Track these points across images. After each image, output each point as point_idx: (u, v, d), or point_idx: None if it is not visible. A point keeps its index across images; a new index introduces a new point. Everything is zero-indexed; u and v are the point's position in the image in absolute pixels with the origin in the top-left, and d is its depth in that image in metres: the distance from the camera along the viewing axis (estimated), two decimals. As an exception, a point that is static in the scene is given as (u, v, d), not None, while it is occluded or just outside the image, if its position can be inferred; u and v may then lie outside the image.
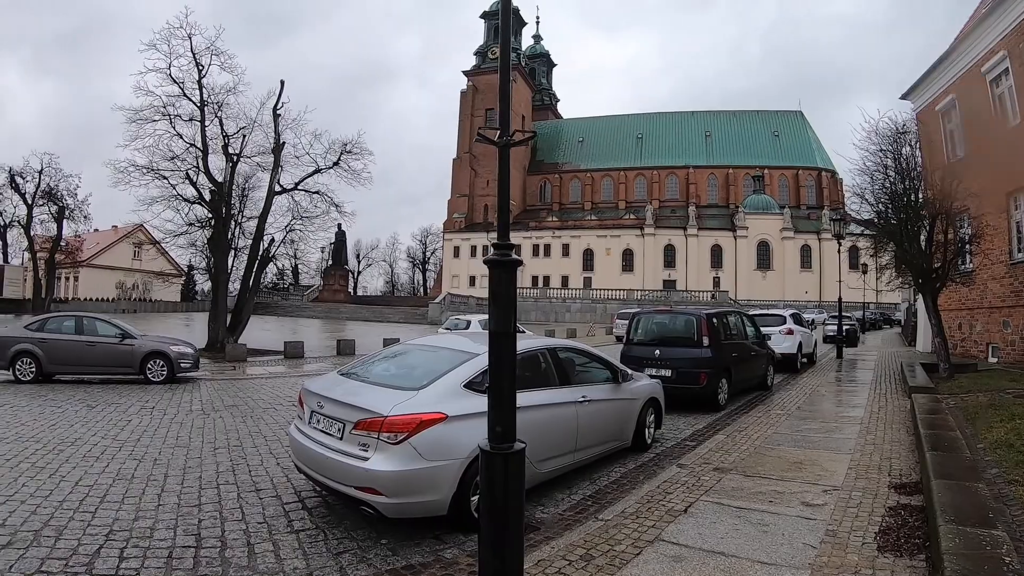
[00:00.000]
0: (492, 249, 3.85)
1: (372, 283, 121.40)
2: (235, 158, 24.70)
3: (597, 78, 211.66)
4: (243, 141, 24.88)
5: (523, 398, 5.83)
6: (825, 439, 8.77)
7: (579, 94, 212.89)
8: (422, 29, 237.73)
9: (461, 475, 5.12)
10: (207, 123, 24.03)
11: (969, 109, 20.08)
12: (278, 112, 25.28)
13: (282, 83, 25.34)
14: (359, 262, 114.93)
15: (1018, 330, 17.69)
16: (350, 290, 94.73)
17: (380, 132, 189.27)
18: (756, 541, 4.85)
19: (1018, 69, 17.39)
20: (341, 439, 5.23)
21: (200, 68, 23.72)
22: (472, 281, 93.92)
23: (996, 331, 18.89)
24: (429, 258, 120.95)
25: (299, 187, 26.00)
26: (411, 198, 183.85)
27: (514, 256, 3.85)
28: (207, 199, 24.02)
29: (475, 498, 5.12)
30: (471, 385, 5.57)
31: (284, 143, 25.42)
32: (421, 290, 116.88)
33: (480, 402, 4.95)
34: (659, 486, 6.38)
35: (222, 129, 24.39)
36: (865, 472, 6.86)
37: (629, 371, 8.37)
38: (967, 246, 15.97)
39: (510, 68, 3.96)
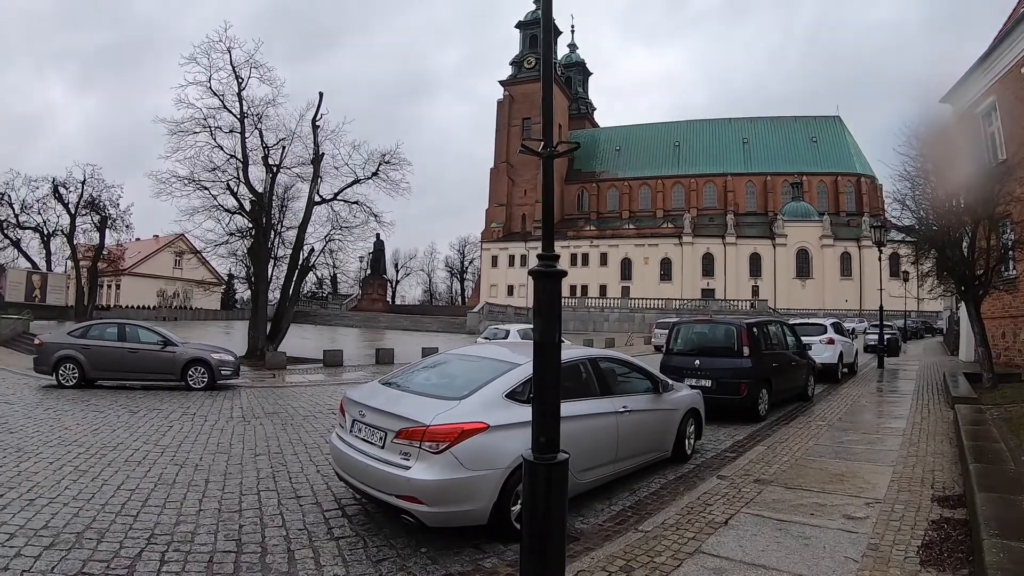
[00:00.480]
0: (537, 260, 3.95)
1: (410, 292, 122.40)
2: (275, 169, 25.20)
3: (634, 87, 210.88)
4: (283, 152, 25.40)
5: (564, 408, 5.91)
6: (867, 451, 8.71)
7: (616, 103, 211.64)
8: (463, 41, 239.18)
9: (502, 485, 5.16)
10: (247, 135, 24.55)
11: (1010, 111, 19.73)
12: (317, 124, 25.72)
13: (321, 95, 25.77)
14: (397, 272, 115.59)
15: (1063, 338, 17.31)
16: (388, 299, 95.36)
17: (421, 144, 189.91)
18: (797, 554, 4.87)
19: None
20: (383, 448, 5.31)
21: (240, 81, 24.28)
22: (510, 291, 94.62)
23: (1042, 340, 18.48)
24: (467, 268, 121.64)
25: (338, 197, 26.44)
26: (452, 209, 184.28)
27: (559, 267, 3.94)
28: (247, 209, 24.49)
29: (515, 508, 5.16)
30: (512, 395, 5.64)
31: (323, 154, 25.86)
32: (459, 299, 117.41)
33: (521, 412, 5.12)
34: (699, 497, 6.40)
35: (262, 140, 24.91)
36: (908, 485, 6.81)
37: (669, 381, 8.37)
38: (1010, 252, 15.72)
39: (552, 79, 4.04)
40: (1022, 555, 3.95)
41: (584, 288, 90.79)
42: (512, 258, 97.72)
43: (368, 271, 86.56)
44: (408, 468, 5.02)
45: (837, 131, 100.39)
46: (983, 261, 14.39)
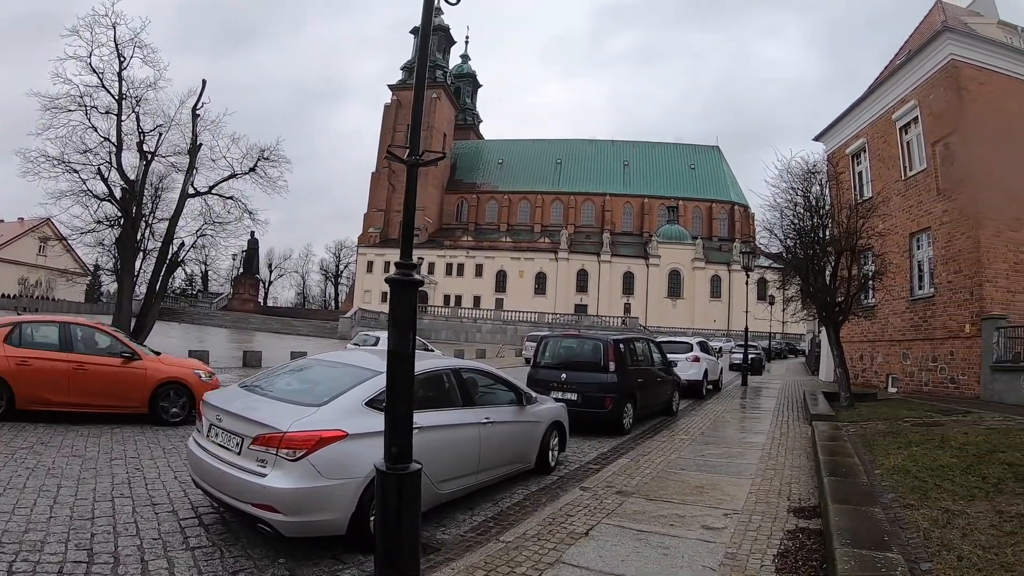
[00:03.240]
0: (394, 268, 3.82)
1: (283, 294, 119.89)
2: (149, 156, 23.69)
3: (544, 113, 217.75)
4: (159, 139, 23.90)
5: (425, 418, 5.82)
6: (727, 464, 8.96)
7: (511, 119, 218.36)
8: (386, 47, 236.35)
9: (360, 494, 5.08)
10: (124, 118, 22.98)
11: (878, 153, 21.36)
12: (197, 112, 24.38)
13: (204, 82, 24.45)
14: (271, 272, 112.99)
15: (917, 362, 18.81)
16: (260, 300, 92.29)
17: (325, 148, 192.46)
18: (656, 563, 4.86)
19: (927, 118, 18.65)
20: (239, 454, 5.15)
21: (122, 59, 22.64)
22: (384, 297, 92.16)
23: (896, 363, 20.06)
24: (342, 271, 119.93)
25: (213, 191, 25.16)
26: (347, 214, 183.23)
27: (417, 275, 3.89)
28: (118, 197, 22.96)
29: (374, 518, 5.04)
30: (372, 403, 5.55)
31: (201, 144, 24.53)
32: (333, 304, 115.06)
33: (381, 420, 4.94)
34: (561, 508, 6.36)
35: (138, 125, 23.33)
36: (765, 496, 7.00)
37: (533, 394, 8.43)
38: (870, 282, 16.85)
39: (424, 84, 4.00)
40: (872, 563, 4.07)
41: (459, 299, 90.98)
42: (388, 264, 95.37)
43: (241, 270, 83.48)
44: (264, 476, 4.90)
45: (715, 160, 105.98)
46: (844, 289, 15.31)
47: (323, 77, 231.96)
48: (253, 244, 78.19)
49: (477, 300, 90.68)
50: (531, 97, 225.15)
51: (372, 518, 5.04)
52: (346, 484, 5.01)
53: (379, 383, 5.65)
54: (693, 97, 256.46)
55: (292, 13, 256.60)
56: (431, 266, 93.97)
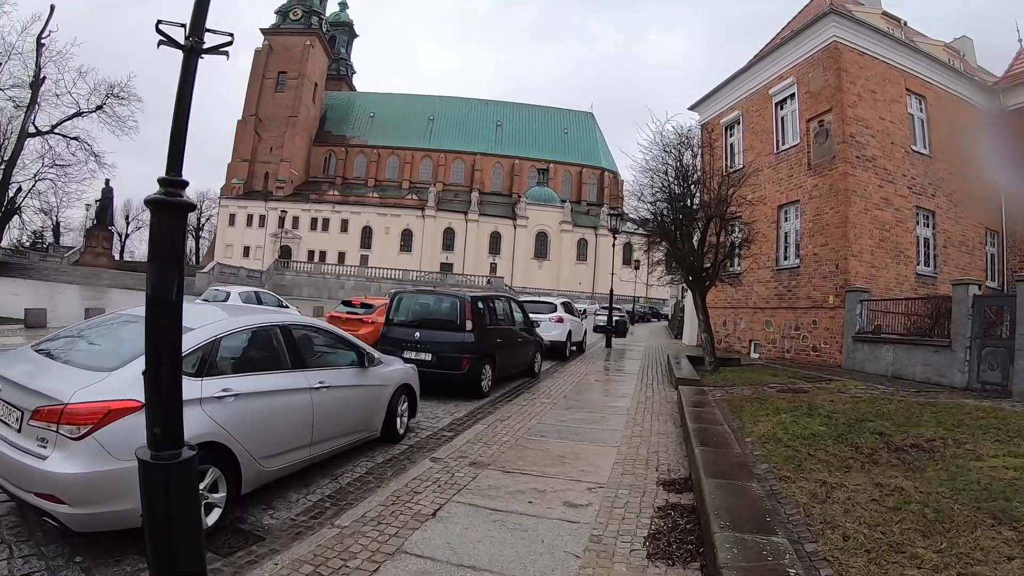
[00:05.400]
0: (158, 187, 2.91)
1: (141, 248, 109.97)
2: None
3: (426, 71, 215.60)
4: None
5: (243, 383, 5.16)
6: (591, 431, 8.52)
7: (397, 79, 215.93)
8: None
9: None
10: None
11: (752, 125, 21.90)
12: (43, 41, 21.76)
13: (52, 8, 21.75)
14: (128, 224, 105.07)
15: (780, 329, 19.51)
16: (116, 254, 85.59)
17: (206, 97, 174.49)
18: (512, 549, 4.28)
19: (803, 95, 19.18)
20: (19, 431, 4.24)
21: None
22: (246, 252, 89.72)
23: (759, 330, 20.77)
24: (203, 224, 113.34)
25: (56, 130, 22.54)
26: (217, 165, 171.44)
27: (187, 198, 2.94)
28: None
29: None
30: None
31: (44, 78, 21.96)
32: (194, 259, 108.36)
33: (188, 387, 4.12)
34: (407, 484, 5.68)
35: None
36: (632, 467, 6.57)
37: (376, 354, 7.54)
38: (737, 249, 17.11)
39: None
40: (756, 550, 3.69)
41: (323, 255, 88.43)
42: (251, 217, 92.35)
43: (94, 221, 76.78)
44: (45, 458, 4.05)
45: (588, 126, 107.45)
46: (712, 255, 15.48)
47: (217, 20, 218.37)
48: (107, 194, 73.41)
49: (342, 256, 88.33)
50: (421, 62, 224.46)
51: None
52: None
53: (185, 342, 4.80)
54: (579, 73, 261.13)
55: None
56: (295, 220, 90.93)
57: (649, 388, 13.00)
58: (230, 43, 2.91)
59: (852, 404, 9.27)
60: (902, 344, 14.56)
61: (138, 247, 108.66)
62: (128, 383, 4.28)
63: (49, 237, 78.78)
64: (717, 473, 5.20)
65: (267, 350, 5.81)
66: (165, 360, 2.96)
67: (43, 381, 4.40)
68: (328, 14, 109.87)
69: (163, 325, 2.94)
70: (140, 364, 4.46)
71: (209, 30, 2.81)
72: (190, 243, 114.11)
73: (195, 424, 4.38)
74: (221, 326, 5.32)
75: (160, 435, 2.87)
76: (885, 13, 21.30)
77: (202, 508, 4.45)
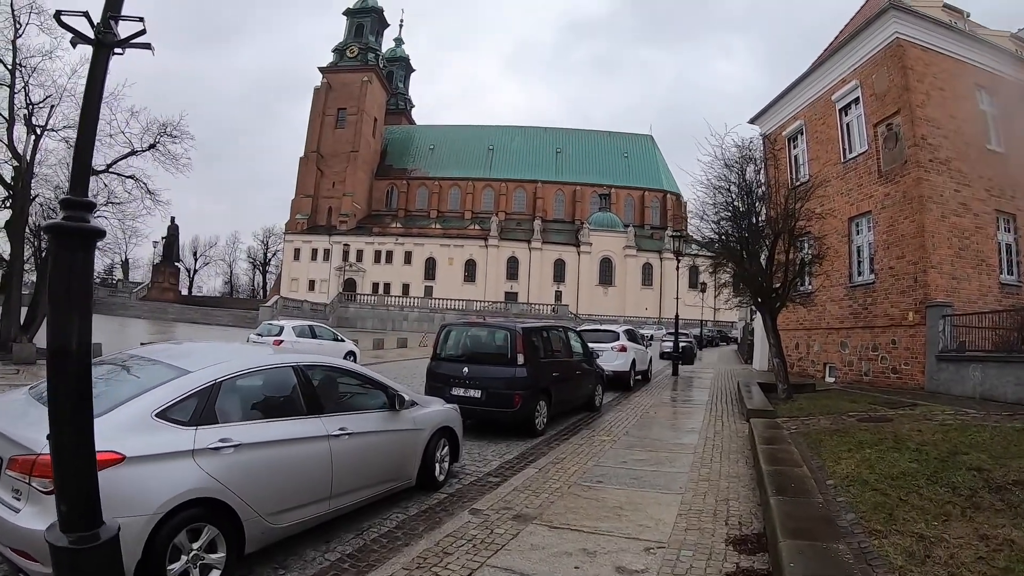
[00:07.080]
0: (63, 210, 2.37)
1: (209, 283, 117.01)
2: (39, 131, 21.53)
3: (497, 105, 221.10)
4: (50, 112, 21.75)
5: (245, 432, 4.71)
6: (653, 474, 7.74)
7: (464, 112, 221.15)
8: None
9: (147, 537, 3.90)
10: (16, 89, 20.86)
11: (816, 135, 20.94)
12: None
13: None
14: (196, 260, 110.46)
15: (855, 351, 18.27)
16: (182, 289, 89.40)
17: (277, 140, 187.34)
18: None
19: (868, 98, 18.13)
20: None
21: (17, 27, 20.60)
22: (312, 285, 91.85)
23: (834, 351, 19.51)
24: (270, 260, 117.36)
25: (111, 169, 23.04)
26: (284, 201, 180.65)
27: (93, 224, 2.37)
28: (6, 179, 21.08)
29: (174, 566, 4.02)
30: (166, 414, 4.36)
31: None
32: (261, 292, 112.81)
33: (175, 437, 4.26)
34: (439, 543, 5.05)
35: (27, 97, 21.23)
36: (698, 520, 5.80)
37: (408, 395, 6.83)
38: (808, 267, 16.13)
39: None
40: None
41: (387, 286, 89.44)
42: (315, 252, 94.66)
43: (161, 257, 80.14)
44: (18, 511, 3.76)
45: (648, 149, 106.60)
46: (781, 274, 14.60)
47: (286, 68, 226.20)
48: (173, 231, 76.52)
49: (406, 288, 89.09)
50: (482, 95, 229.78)
51: (171, 567, 3.98)
52: (126, 525, 3.57)
53: (179, 387, 4.49)
54: (640, 104, 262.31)
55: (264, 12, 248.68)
56: (359, 253, 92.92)
57: (719, 421, 12.13)
58: (143, 31, 2.36)
59: (942, 433, 8.24)
60: (991, 361, 13.27)
61: (206, 282, 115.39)
62: (110, 432, 3.90)
63: (118, 273, 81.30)
64: (796, 531, 4.41)
65: (278, 394, 5.38)
66: (67, 423, 2.48)
67: (20, 428, 4.08)
68: (384, 50, 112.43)
69: (64, 382, 2.41)
70: (126, 410, 4.21)
71: (115, 16, 2.25)
72: (257, 278, 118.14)
73: (186, 479, 4.08)
74: (223, 368, 4.88)
75: (67, 513, 2.34)
76: (946, 5, 20.15)
77: (198, 570, 4.09)
